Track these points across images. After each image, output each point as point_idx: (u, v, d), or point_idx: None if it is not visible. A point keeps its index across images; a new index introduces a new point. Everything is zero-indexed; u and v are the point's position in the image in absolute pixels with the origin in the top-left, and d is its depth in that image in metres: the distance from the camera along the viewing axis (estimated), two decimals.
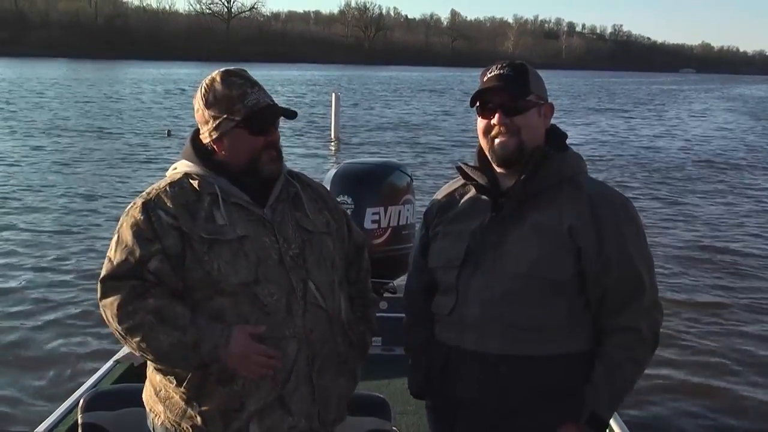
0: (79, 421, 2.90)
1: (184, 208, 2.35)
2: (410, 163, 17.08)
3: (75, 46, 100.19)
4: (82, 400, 2.94)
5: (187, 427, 2.39)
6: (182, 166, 2.47)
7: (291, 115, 2.48)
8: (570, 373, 2.37)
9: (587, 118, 37.06)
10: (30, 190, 14.78)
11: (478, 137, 2.51)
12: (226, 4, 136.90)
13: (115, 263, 2.33)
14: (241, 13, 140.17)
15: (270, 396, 2.37)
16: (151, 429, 2.51)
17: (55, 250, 10.57)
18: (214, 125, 2.41)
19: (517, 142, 2.40)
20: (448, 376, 2.48)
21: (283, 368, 2.37)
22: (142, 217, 2.34)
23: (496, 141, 2.42)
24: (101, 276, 2.36)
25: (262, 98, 2.42)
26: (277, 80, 59.70)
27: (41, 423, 3.70)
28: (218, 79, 2.42)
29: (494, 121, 2.42)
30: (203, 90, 2.43)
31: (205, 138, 2.45)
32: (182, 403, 2.39)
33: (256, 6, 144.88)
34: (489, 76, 2.45)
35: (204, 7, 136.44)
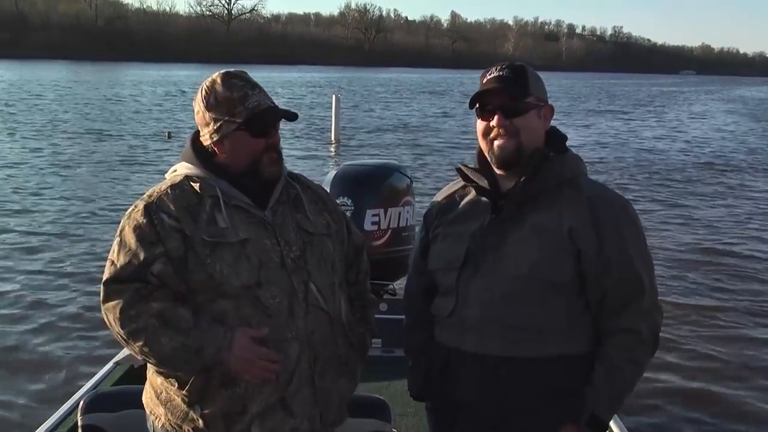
0: (79, 423, 2.90)
1: (185, 210, 2.35)
2: (410, 164, 17.08)
3: (75, 48, 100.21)
4: (82, 402, 2.94)
5: (188, 430, 2.39)
6: (182, 168, 2.47)
7: (292, 117, 2.48)
8: (570, 374, 2.37)
9: (587, 120, 37.07)
10: (30, 191, 14.77)
11: (477, 139, 2.51)
12: (227, 6, 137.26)
13: (118, 266, 2.32)
14: (242, 14, 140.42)
15: (272, 398, 2.37)
16: (152, 431, 2.51)
17: (53, 252, 10.57)
18: (215, 127, 2.41)
19: (516, 143, 2.40)
20: (448, 378, 2.48)
21: (285, 370, 2.36)
22: (144, 220, 2.33)
23: (496, 143, 2.43)
24: (104, 279, 2.35)
25: (263, 100, 2.42)
26: (277, 82, 59.72)
27: (41, 425, 3.70)
28: (219, 81, 2.42)
29: (493, 122, 2.42)
30: (204, 92, 2.43)
31: (206, 140, 2.45)
32: (184, 406, 2.39)
33: (256, 8, 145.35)
34: (488, 77, 2.45)
35: (204, 9, 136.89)
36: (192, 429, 2.39)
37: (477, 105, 2.47)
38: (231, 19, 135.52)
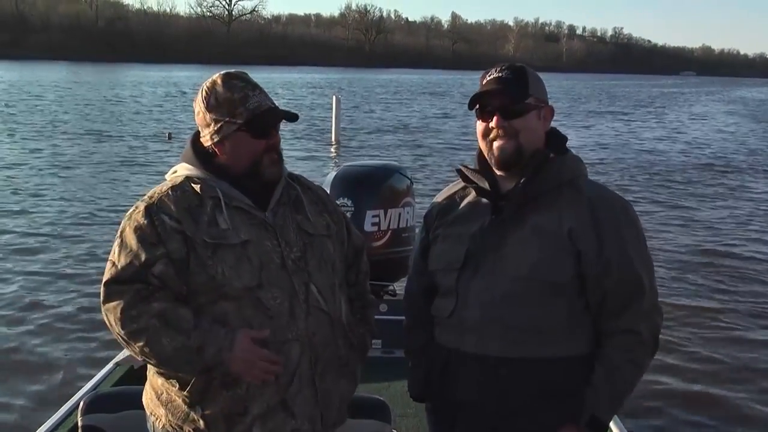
0: (79, 424, 2.90)
1: (186, 212, 2.35)
2: (410, 166, 17.08)
3: (75, 49, 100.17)
4: (82, 403, 2.94)
5: (189, 431, 2.39)
6: (182, 169, 2.47)
7: (292, 117, 2.47)
8: (570, 375, 2.37)
9: (588, 121, 37.07)
10: (29, 192, 14.76)
11: (477, 140, 2.51)
12: (227, 7, 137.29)
13: (119, 267, 2.32)
14: (242, 15, 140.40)
15: (273, 399, 2.37)
16: None
17: (52, 253, 10.56)
18: (215, 128, 2.41)
19: (515, 145, 2.41)
20: (448, 379, 2.48)
21: (286, 371, 2.36)
22: (145, 221, 2.33)
23: (495, 144, 2.43)
24: (105, 279, 2.35)
25: (264, 101, 2.42)
26: (277, 83, 59.72)
27: (41, 426, 3.70)
28: (219, 82, 2.42)
29: (492, 124, 2.42)
30: (204, 93, 2.43)
31: (206, 141, 2.45)
32: (185, 407, 2.38)
33: (256, 9, 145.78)
34: (488, 79, 2.46)
35: (205, 10, 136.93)
36: (193, 430, 2.38)
37: (477, 106, 2.47)
38: (231, 20, 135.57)
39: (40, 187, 15.39)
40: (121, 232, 2.37)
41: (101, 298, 2.34)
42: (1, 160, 18.78)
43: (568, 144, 2.55)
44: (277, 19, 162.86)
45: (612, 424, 3.70)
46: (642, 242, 2.43)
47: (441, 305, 2.51)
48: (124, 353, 4.37)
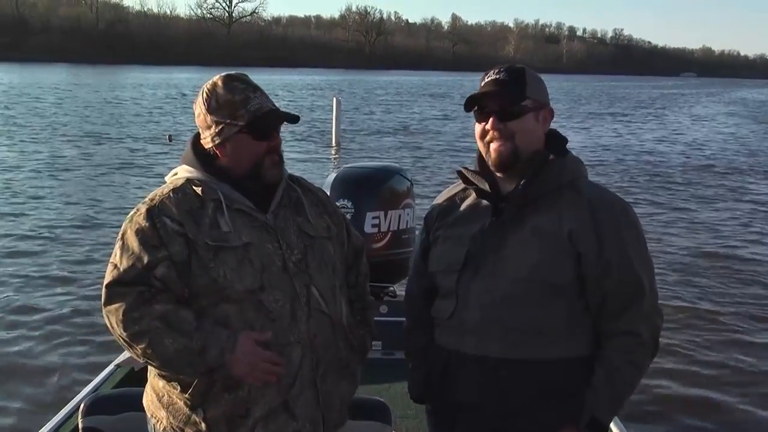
0: (80, 426, 2.90)
1: (188, 214, 2.35)
2: (410, 167, 17.09)
3: (76, 51, 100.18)
4: (82, 405, 2.95)
5: None
6: (183, 171, 2.47)
7: (294, 119, 2.48)
8: (570, 376, 2.37)
9: (588, 123, 37.07)
10: (28, 195, 14.76)
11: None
12: (227, 9, 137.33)
13: (121, 269, 2.31)
14: (242, 17, 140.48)
15: (275, 401, 2.37)
16: None
17: (52, 256, 10.54)
18: (216, 130, 2.41)
19: (511, 147, 2.41)
20: (448, 380, 2.48)
21: (288, 374, 2.37)
22: (147, 224, 2.33)
23: (492, 146, 2.43)
24: (106, 282, 2.34)
25: (265, 103, 2.42)
26: (277, 85, 59.71)
27: (41, 428, 3.70)
28: (220, 83, 2.42)
29: (488, 126, 2.42)
30: (205, 95, 2.43)
31: (207, 143, 2.45)
32: (186, 409, 2.38)
33: (257, 11, 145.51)
34: (486, 80, 2.46)
35: (205, 12, 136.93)
36: None
37: (476, 108, 2.47)
38: (232, 22, 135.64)
39: (39, 189, 15.39)
40: (123, 235, 2.36)
41: (102, 300, 2.33)
42: (1, 162, 18.77)
43: (569, 145, 2.55)
44: (277, 20, 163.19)
45: (612, 425, 3.69)
46: (642, 244, 2.44)
47: (441, 307, 2.51)
48: (125, 355, 4.37)
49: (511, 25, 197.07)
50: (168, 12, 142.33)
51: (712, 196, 17.16)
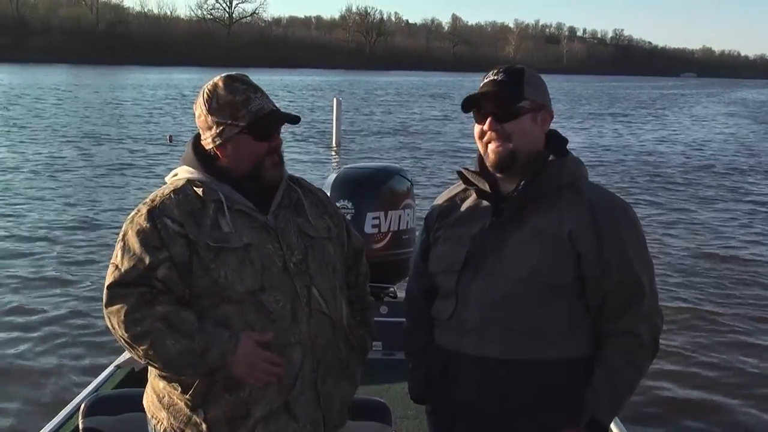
0: (80, 426, 2.90)
1: (189, 215, 2.35)
2: (411, 168, 17.08)
3: (76, 52, 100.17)
4: (82, 405, 2.95)
5: None
6: (183, 172, 2.47)
7: (294, 120, 2.47)
8: (570, 377, 2.37)
9: (588, 123, 37.07)
10: (28, 196, 14.76)
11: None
12: (228, 10, 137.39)
13: (122, 270, 2.31)
14: (243, 18, 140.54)
15: (276, 402, 2.37)
16: None
17: (51, 257, 10.53)
18: (217, 131, 2.40)
19: (508, 148, 2.41)
20: (448, 381, 2.48)
21: (288, 374, 2.37)
22: (148, 225, 2.33)
23: (489, 146, 2.44)
24: (108, 283, 2.34)
25: (266, 104, 2.42)
26: (278, 85, 59.73)
27: (41, 428, 3.70)
28: (221, 84, 2.42)
29: (485, 127, 2.43)
30: (206, 95, 2.43)
31: (208, 144, 2.45)
32: (187, 410, 2.38)
33: (257, 11, 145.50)
34: (484, 81, 2.47)
35: (205, 13, 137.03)
36: None
37: (475, 108, 2.47)
38: (232, 23, 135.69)
39: (39, 190, 15.39)
40: (124, 236, 2.36)
41: (104, 301, 2.33)
42: (1, 162, 18.77)
43: (569, 146, 2.55)
44: (277, 21, 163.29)
45: (612, 426, 3.69)
46: (642, 244, 2.44)
47: (441, 307, 2.52)
48: (125, 356, 4.37)
49: (512, 25, 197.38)
50: (168, 13, 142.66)
51: (713, 196, 17.15)
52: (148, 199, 2.41)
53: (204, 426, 2.36)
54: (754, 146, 28.72)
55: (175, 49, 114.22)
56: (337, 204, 4.56)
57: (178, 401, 2.39)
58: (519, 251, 2.37)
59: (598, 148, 26.07)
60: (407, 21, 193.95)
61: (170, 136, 24.17)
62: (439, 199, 2.68)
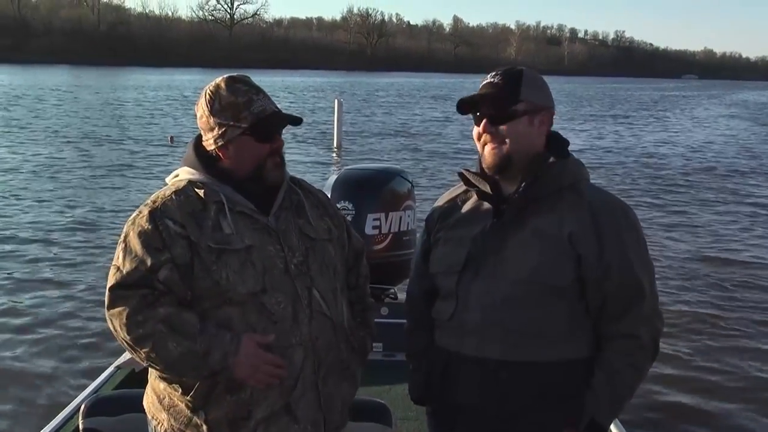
0: (80, 427, 2.91)
1: (190, 216, 2.35)
2: (411, 169, 17.08)
3: (77, 53, 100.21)
4: (83, 406, 2.95)
5: None
6: (184, 173, 2.47)
7: (296, 121, 2.47)
8: (570, 378, 2.37)
9: (589, 125, 37.08)
10: (28, 197, 14.74)
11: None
12: (229, 11, 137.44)
13: (124, 272, 2.31)
14: (244, 19, 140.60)
15: (277, 404, 2.37)
16: None
17: (51, 258, 10.52)
18: (219, 132, 2.40)
19: (503, 150, 2.41)
20: (448, 382, 2.48)
21: (290, 376, 2.37)
22: (149, 226, 2.32)
23: (485, 148, 2.44)
24: (110, 285, 2.33)
25: (268, 105, 2.42)
26: (279, 87, 59.75)
27: (42, 429, 3.70)
28: (223, 85, 2.42)
29: (480, 129, 2.43)
30: (208, 97, 2.42)
31: (209, 145, 2.44)
32: (187, 412, 2.38)
33: (258, 12, 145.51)
34: (483, 83, 2.47)
35: (207, 14, 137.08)
36: None
37: (474, 111, 2.48)
38: (233, 24, 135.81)
39: (39, 191, 15.37)
40: (125, 237, 2.36)
41: (106, 303, 2.32)
42: (2, 163, 18.77)
43: (570, 148, 2.55)
44: (279, 22, 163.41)
45: (612, 427, 3.69)
46: (643, 246, 2.44)
47: (441, 308, 2.52)
48: (126, 356, 4.37)
49: (513, 26, 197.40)
50: (169, 14, 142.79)
51: (714, 198, 17.13)
52: (149, 201, 2.41)
53: (205, 427, 2.36)
54: (756, 148, 28.69)
55: (177, 51, 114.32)
56: (338, 205, 4.57)
57: (179, 402, 2.39)
58: (519, 253, 2.37)
59: (599, 149, 26.05)
60: (408, 22, 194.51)
61: (171, 137, 24.19)
62: (440, 201, 2.69)
